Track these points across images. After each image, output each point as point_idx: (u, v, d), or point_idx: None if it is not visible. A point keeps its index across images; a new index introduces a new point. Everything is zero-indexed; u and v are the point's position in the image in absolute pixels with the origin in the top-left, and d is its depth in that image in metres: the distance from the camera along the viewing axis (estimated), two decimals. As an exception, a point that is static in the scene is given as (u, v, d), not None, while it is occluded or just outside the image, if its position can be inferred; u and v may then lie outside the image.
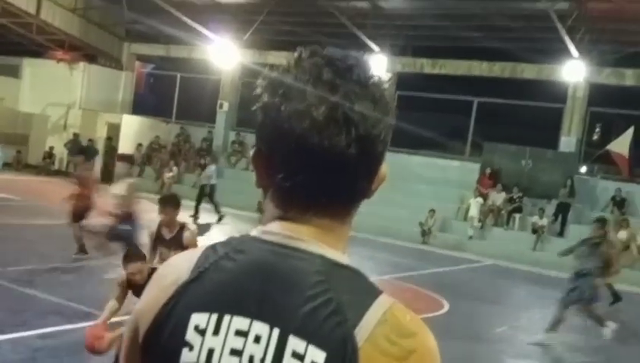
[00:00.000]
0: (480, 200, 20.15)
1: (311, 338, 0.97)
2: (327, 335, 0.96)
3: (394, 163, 25.52)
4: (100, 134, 25.89)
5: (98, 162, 25.68)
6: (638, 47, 19.26)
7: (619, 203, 19.54)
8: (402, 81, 23.78)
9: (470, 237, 19.78)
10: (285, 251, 1.04)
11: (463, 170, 21.83)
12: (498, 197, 20.43)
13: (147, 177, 24.67)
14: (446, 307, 11.05)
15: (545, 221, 19.34)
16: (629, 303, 14.14)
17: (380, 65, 23.07)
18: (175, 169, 24.58)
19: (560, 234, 19.51)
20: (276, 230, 1.06)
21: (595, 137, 22.43)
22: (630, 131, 19.57)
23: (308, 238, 1.04)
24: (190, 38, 23.95)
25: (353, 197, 1.08)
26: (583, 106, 20.98)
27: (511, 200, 20.37)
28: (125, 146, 25.08)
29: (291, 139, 1.01)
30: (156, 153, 25.92)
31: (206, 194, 18.98)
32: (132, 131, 25.84)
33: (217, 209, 18.55)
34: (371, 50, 22.87)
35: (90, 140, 25.33)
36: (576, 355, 9.51)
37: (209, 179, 19.39)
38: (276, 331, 0.98)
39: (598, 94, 20.80)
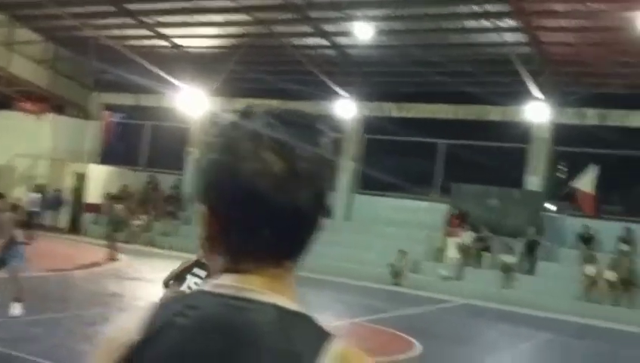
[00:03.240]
0: (457, 239, 20.27)
1: None
2: None
3: (363, 206, 25.68)
4: (68, 184, 25.71)
5: (66, 212, 25.51)
6: (599, 88, 19.83)
7: (587, 239, 19.84)
8: (370, 125, 24.10)
9: (446, 278, 19.81)
10: (239, 303, 1.04)
11: (431, 211, 22.00)
12: (467, 237, 20.62)
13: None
14: (419, 349, 11.03)
15: (514, 259, 19.53)
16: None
17: (348, 110, 23.41)
18: (143, 217, 24.43)
19: (530, 271, 19.71)
20: (228, 282, 1.07)
21: (561, 175, 22.85)
22: (594, 169, 20.00)
23: (260, 288, 1.06)
24: (159, 87, 24.10)
25: (308, 247, 1.11)
26: (548, 145, 21.42)
27: (480, 240, 20.57)
28: (92, 195, 24.92)
29: (251, 197, 1.03)
30: (124, 202, 25.77)
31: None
32: (100, 180, 25.70)
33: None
34: (339, 95, 23.21)
35: (56, 190, 25.14)
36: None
37: (31, 206, 21.13)
38: None
39: (562, 134, 21.25)
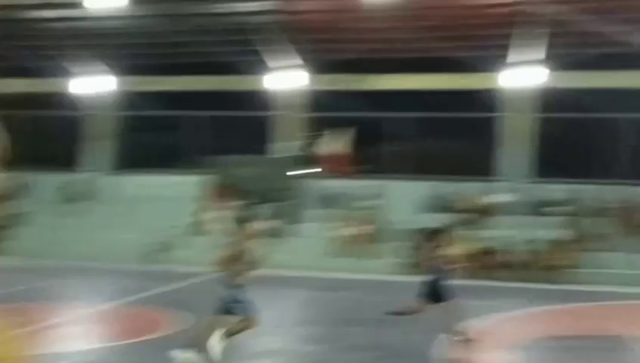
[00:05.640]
0: (218, 212, 20.24)
1: None
2: None
3: (117, 186, 24.49)
4: None
5: None
6: (345, 54, 20.73)
7: (334, 199, 21.01)
8: (128, 101, 23.44)
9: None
10: None
11: (187, 185, 21.81)
12: (225, 208, 20.82)
13: None
14: (175, 323, 11.01)
15: (267, 225, 20.11)
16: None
17: (108, 85, 22.54)
18: None
19: (284, 234, 20.42)
20: None
21: (312, 140, 23.78)
22: (346, 131, 21.08)
23: None
24: None
25: None
26: (301, 111, 22.25)
27: (239, 208, 20.87)
28: None
29: None
30: None
31: None
32: None
33: None
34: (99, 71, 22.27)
35: None
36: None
37: None
38: None
39: (316, 100, 22.18)
